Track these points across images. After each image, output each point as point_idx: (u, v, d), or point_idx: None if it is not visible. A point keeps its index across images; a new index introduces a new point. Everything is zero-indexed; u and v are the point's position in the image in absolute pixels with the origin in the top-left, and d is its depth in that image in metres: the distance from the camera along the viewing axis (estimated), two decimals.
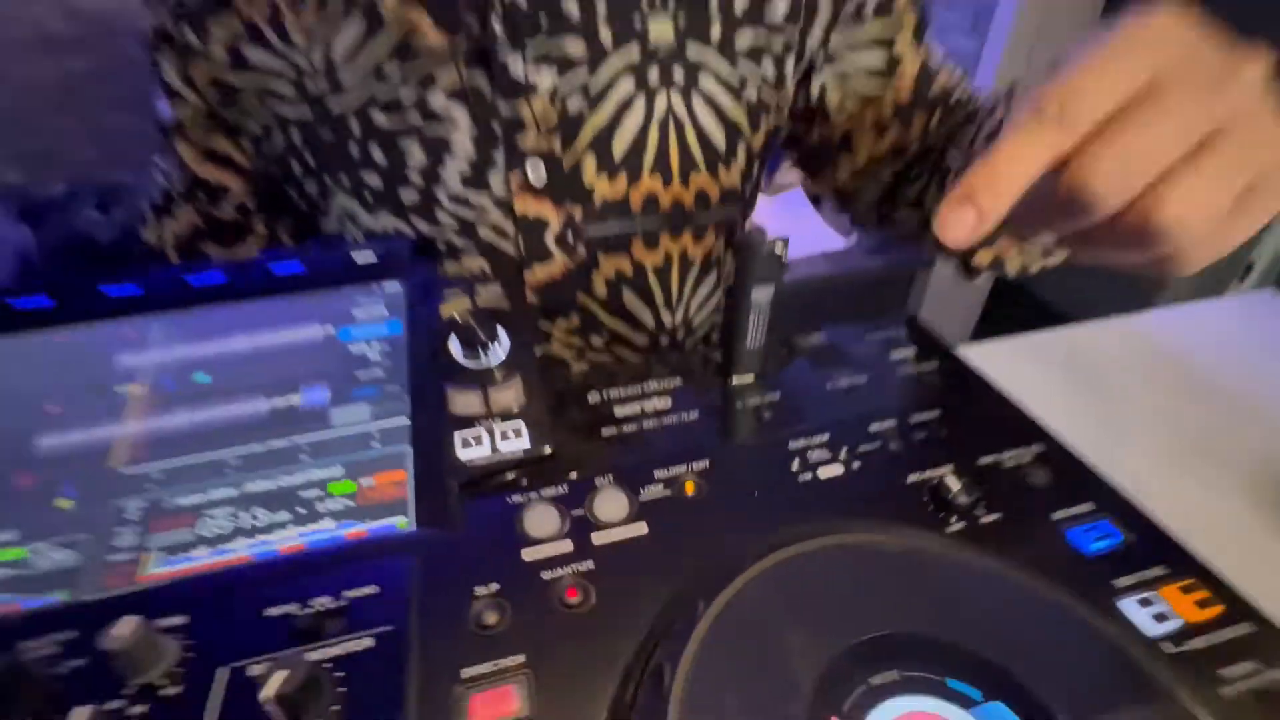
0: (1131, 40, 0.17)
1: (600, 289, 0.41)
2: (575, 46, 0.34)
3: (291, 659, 0.16)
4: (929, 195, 0.41)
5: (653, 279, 0.41)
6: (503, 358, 0.28)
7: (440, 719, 0.17)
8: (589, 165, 0.37)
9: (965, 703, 0.16)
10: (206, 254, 0.46)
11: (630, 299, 0.42)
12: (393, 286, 0.31)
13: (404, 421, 0.26)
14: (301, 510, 0.23)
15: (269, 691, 0.15)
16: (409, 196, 0.37)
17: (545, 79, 0.34)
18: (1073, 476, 0.24)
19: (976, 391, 0.29)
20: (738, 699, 0.16)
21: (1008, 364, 0.33)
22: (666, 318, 0.43)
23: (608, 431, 0.27)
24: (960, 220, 0.18)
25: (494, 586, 0.20)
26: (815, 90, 0.42)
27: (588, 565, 0.21)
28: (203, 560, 0.22)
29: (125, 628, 0.17)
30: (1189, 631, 0.19)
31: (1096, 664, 0.17)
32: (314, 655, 0.18)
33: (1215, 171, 0.17)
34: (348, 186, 0.38)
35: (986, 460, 0.25)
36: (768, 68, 0.38)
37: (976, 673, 0.17)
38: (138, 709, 0.17)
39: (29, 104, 2.38)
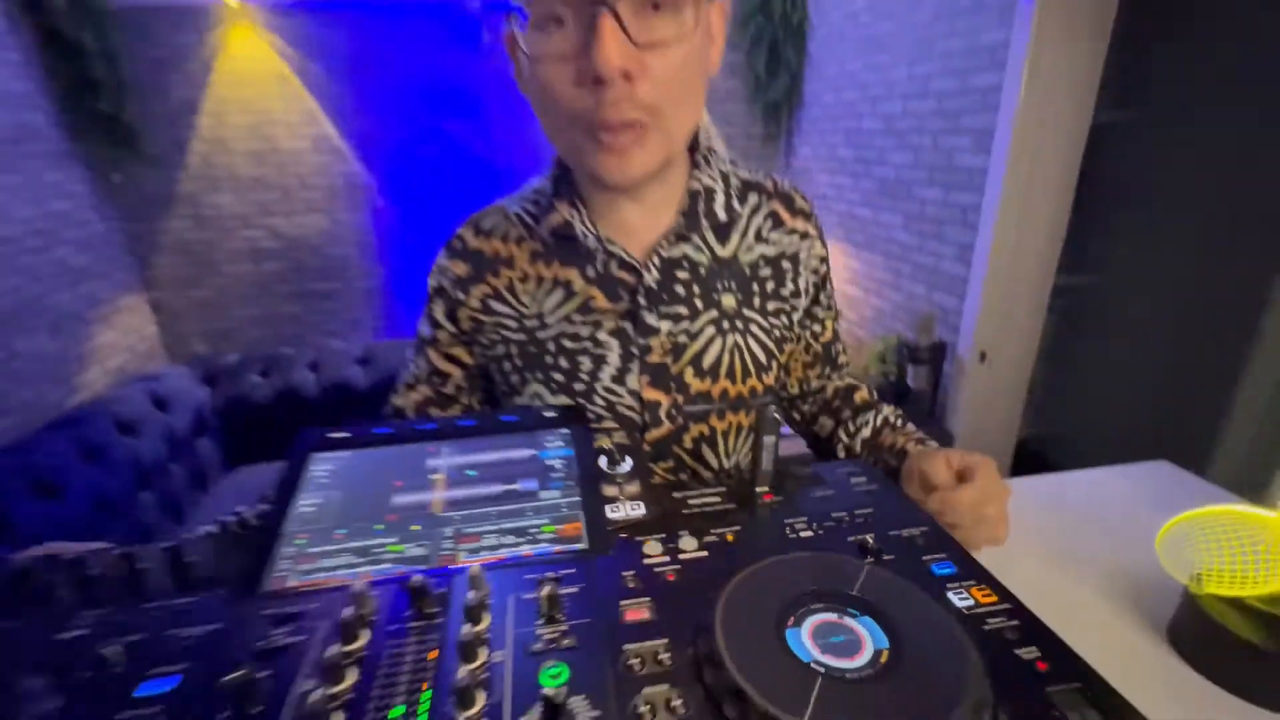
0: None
1: (688, 444, 0.63)
2: (681, 310, 0.60)
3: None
4: (815, 423, 0.75)
5: (720, 439, 0.64)
6: (628, 470, 0.50)
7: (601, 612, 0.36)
8: (688, 373, 0.61)
9: (853, 617, 0.35)
10: (430, 415, 0.70)
11: (706, 451, 0.64)
12: (565, 432, 0.54)
13: (578, 498, 0.48)
14: (530, 538, 0.44)
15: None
16: (579, 387, 0.61)
17: (664, 326, 0.60)
18: (941, 539, 0.43)
19: (895, 498, 0.48)
20: (744, 622, 0.35)
21: None
22: (726, 462, 0.65)
23: (685, 511, 0.48)
24: None
25: (630, 573, 0.40)
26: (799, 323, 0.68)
27: (675, 568, 0.41)
28: (484, 556, 0.43)
29: (471, 571, 0.38)
30: (976, 606, 0.37)
31: (929, 611, 0.36)
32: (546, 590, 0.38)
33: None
34: (540, 380, 0.63)
35: (893, 532, 0.44)
36: (784, 320, 0.64)
37: (862, 607, 0.35)
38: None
39: (226, 296, 2.98)
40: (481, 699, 0.30)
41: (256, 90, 2.71)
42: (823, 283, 0.69)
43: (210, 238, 2.87)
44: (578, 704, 0.30)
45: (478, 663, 0.32)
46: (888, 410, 0.70)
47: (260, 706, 0.31)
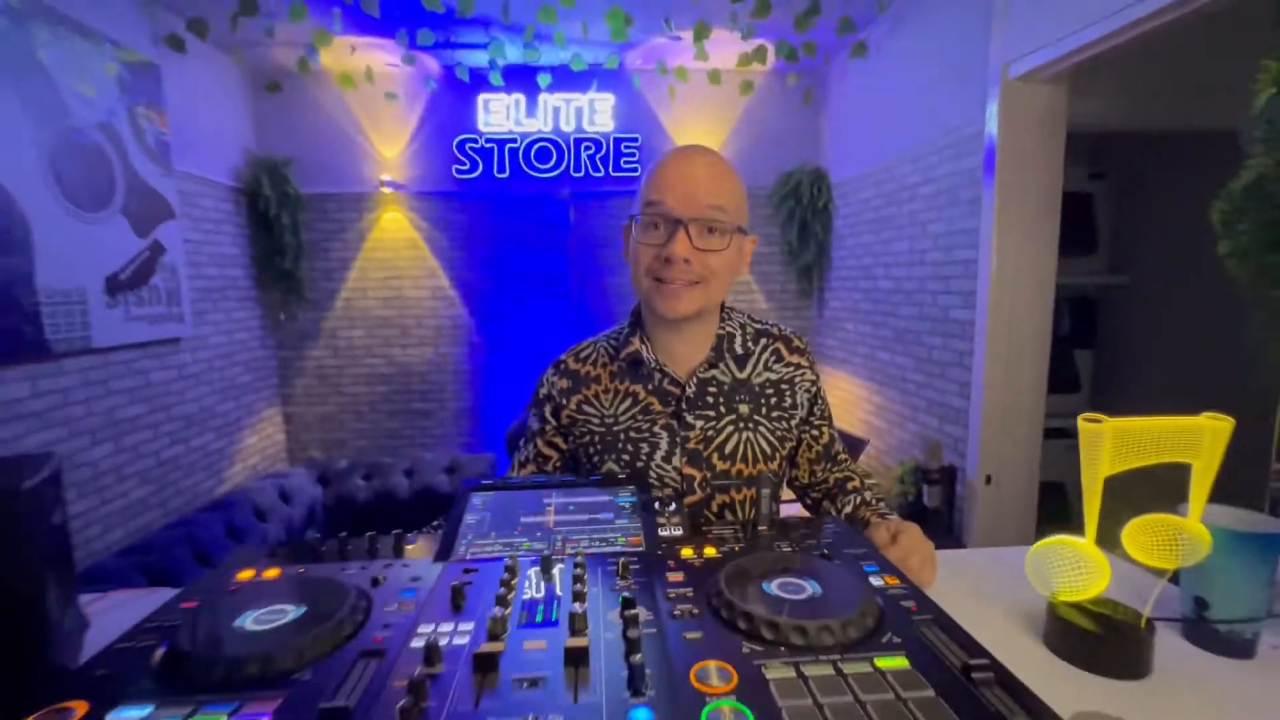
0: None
1: (715, 509, 0.85)
2: (711, 413, 0.85)
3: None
4: (820, 506, 0.95)
5: (738, 506, 0.85)
6: (673, 509, 0.72)
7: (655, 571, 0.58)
8: (714, 457, 0.84)
9: (800, 577, 0.55)
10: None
11: (727, 515, 0.85)
12: (632, 488, 0.77)
13: (639, 524, 0.70)
14: (608, 542, 0.66)
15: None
16: (639, 464, 0.85)
17: (699, 424, 0.85)
18: (873, 557, 0.63)
19: (852, 535, 0.68)
20: (739, 579, 0.56)
21: None
22: (741, 518, 0.86)
23: (709, 536, 0.69)
24: None
25: (672, 562, 0.62)
26: (799, 429, 0.90)
27: (700, 561, 0.62)
28: (585, 550, 0.65)
29: (577, 555, 0.61)
30: (886, 587, 0.56)
31: (848, 577, 0.55)
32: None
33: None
34: (613, 459, 0.87)
35: (845, 550, 0.64)
36: (785, 425, 0.87)
37: (805, 575, 0.56)
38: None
39: (344, 411, 3.37)
40: (587, 601, 0.52)
41: (393, 252, 3.29)
42: (814, 399, 0.92)
43: (340, 364, 3.35)
44: (641, 610, 0.51)
45: (584, 588, 0.54)
46: (868, 494, 0.89)
47: (463, 601, 0.53)
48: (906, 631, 0.48)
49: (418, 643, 0.47)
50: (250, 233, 2.94)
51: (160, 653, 0.47)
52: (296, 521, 2.62)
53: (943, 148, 2.01)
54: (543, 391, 0.95)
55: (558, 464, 0.93)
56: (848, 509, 0.88)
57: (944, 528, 1.92)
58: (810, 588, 0.54)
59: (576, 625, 0.48)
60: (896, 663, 0.44)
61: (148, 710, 0.40)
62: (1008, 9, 1.65)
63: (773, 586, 0.54)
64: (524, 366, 3.38)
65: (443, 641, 0.47)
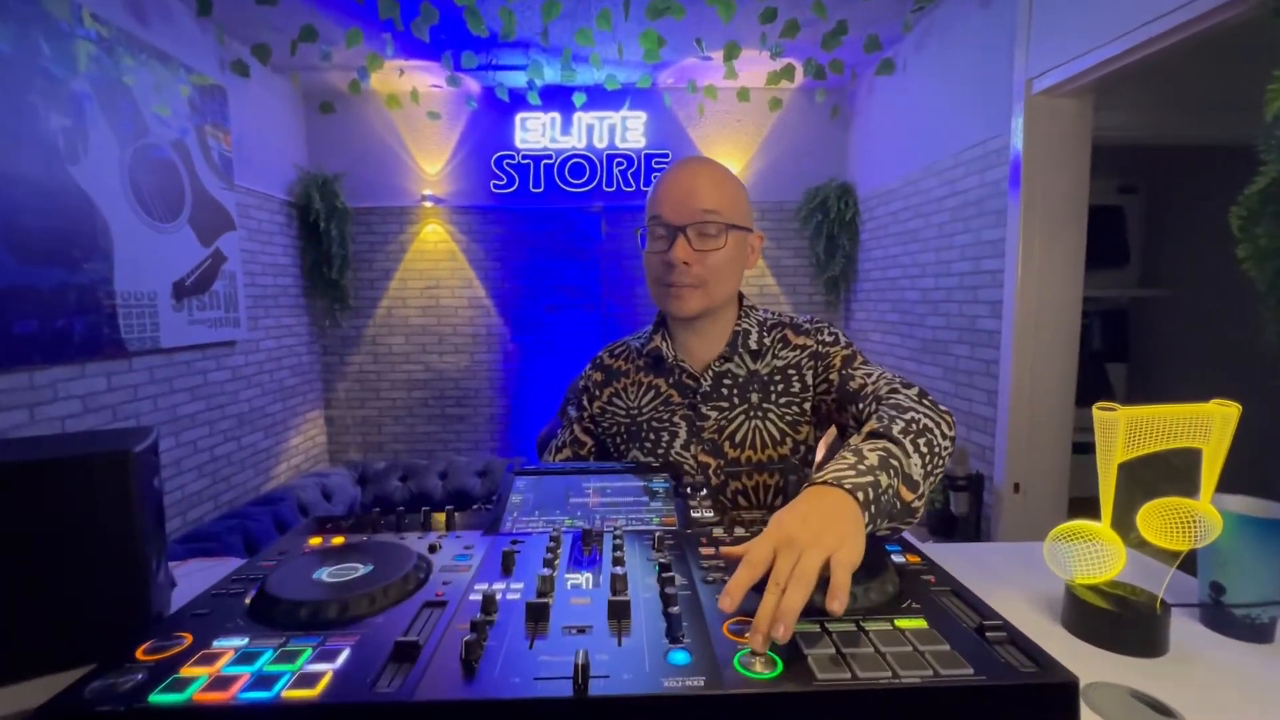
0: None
1: (729, 495, 0.88)
2: (724, 404, 0.88)
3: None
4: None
5: (750, 493, 0.88)
6: (704, 493, 0.76)
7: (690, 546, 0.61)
8: (727, 445, 0.88)
9: None
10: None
11: (741, 501, 0.88)
12: (665, 475, 0.81)
13: (673, 506, 0.73)
14: (644, 522, 0.70)
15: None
16: (660, 452, 0.89)
17: (713, 414, 0.88)
18: (899, 540, 0.65)
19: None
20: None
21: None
22: (756, 503, 0.88)
23: (739, 518, 0.72)
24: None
25: (704, 538, 0.65)
26: (814, 406, 0.91)
27: (729, 538, 0.65)
28: (623, 529, 0.69)
29: (615, 529, 0.65)
30: (907, 564, 0.59)
31: (877, 558, 0.58)
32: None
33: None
34: (637, 447, 0.91)
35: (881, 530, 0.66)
36: (795, 409, 0.89)
37: None
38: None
39: (382, 415, 3.47)
40: (624, 569, 0.56)
41: (433, 263, 3.40)
42: (818, 360, 0.87)
43: (380, 369, 3.46)
44: (677, 575, 0.55)
45: (622, 553, 0.58)
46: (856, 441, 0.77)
47: (513, 565, 0.58)
48: (925, 599, 0.51)
49: (475, 596, 0.52)
50: (300, 243, 3.08)
51: (250, 598, 0.52)
52: (371, 512, 2.72)
53: (968, 161, 2.02)
54: (581, 383, 1.01)
55: (591, 449, 0.98)
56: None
57: (971, 535, 1.90)
58: None
59: (617, 586, 0.52)
60: (915, 624, 0.47)
61: (244, 641, 0.46)
62: (1031, 25, 1.67)
63: None
64: (555, 373, 3.45)
65: (498, 596, 0.51)
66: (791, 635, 0.43)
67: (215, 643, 0.45)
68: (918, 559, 0.60)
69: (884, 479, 0.58)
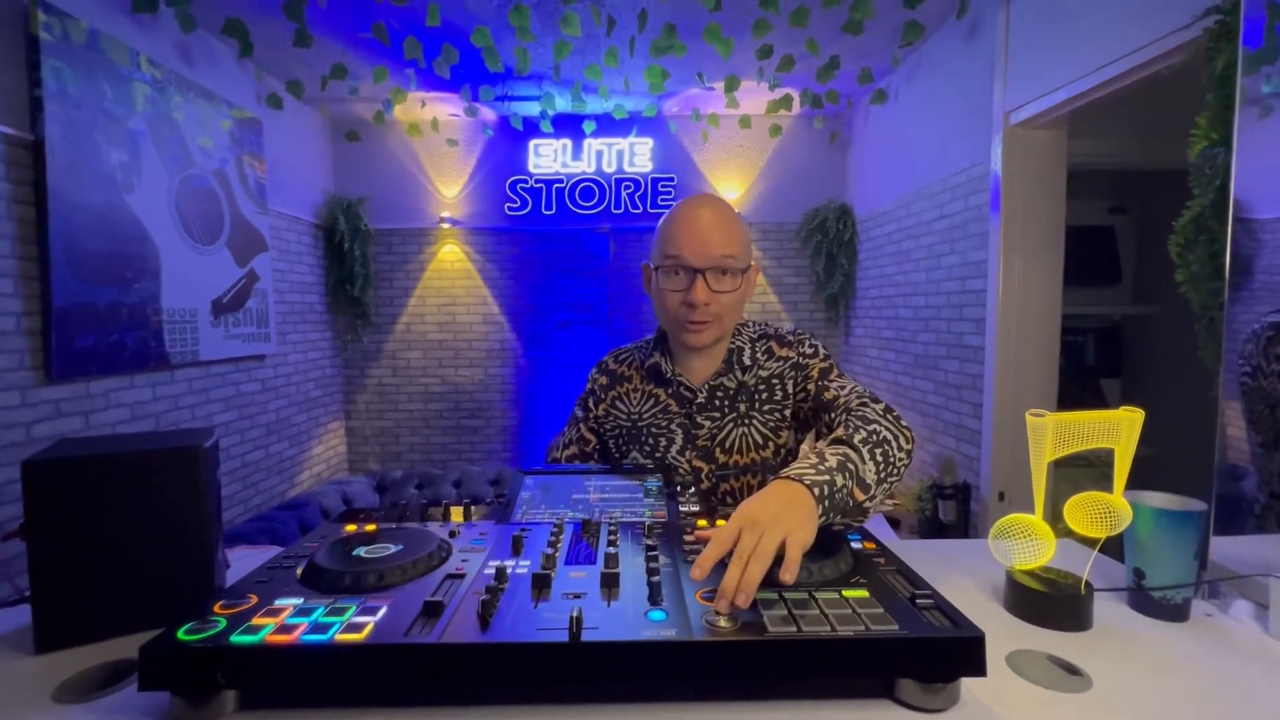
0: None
1: (719, 495, 0.96)
2: (716, 414, 0.97)
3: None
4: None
5: (738, 494, 0.96)
6: (693, 490, 0.84)
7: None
8: (718, 450, 0.96)
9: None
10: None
11: (730, 500, 0.96)
12: (657, 475, 0.90)
13: (664, 501, 0.82)
14: (638, 515, 0.78)
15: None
16: (658, 455, 0.97)
17: (706, 423, 0.96)
18: (857, 530, 0.73)
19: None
20: None
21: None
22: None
23: (722, 510, 0.80)
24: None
25: (689, 527, 0.73)
26: (795, 414, 0.99)
27: (713, 529, 0.73)
28: (620, 520, 0.77)
29: (609, 520, 0.73)
30: (864, 550, 0.67)
31: (834, 542, 0.66)
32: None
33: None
34: (637, 450, 1.00)
35: (833, 526, 0.74)
36: (776, 415, 0.97)
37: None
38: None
39: (400, 426, 3.58)
40: (618, 546, 0.65)
41: (449, 281, 3.53)
42: (797, 370, 0.94)
43: (398, 382, 3.58)
44: (661, 555, 0.63)
45: (615, 537, 0.67)
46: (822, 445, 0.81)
47: (522, 547, 0.66)
48: (871, 576, 0.59)
49: (489, 570, 0.60)
50: (326, 263, 3.21)
51: (301, 570, 0.61)
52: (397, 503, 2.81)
53: (955, 186, 2.11)
54: (589, 385, 1.09)
55: (596, 447, 1.06)
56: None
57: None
58: None
59: (610, 563, 0.60)
60: (859, 594, 0.55)
61: (300, 600, 0.54)
62: (1008, 62, 1.76)
63: None
64: (565, 386, 3.54)
65: (507, 570, 0.60)
66: (751, 602, 0.51)
67: (277, 601, 0.54)
68: (873, 545, 0.68)
69: (839, 479, 0.67)
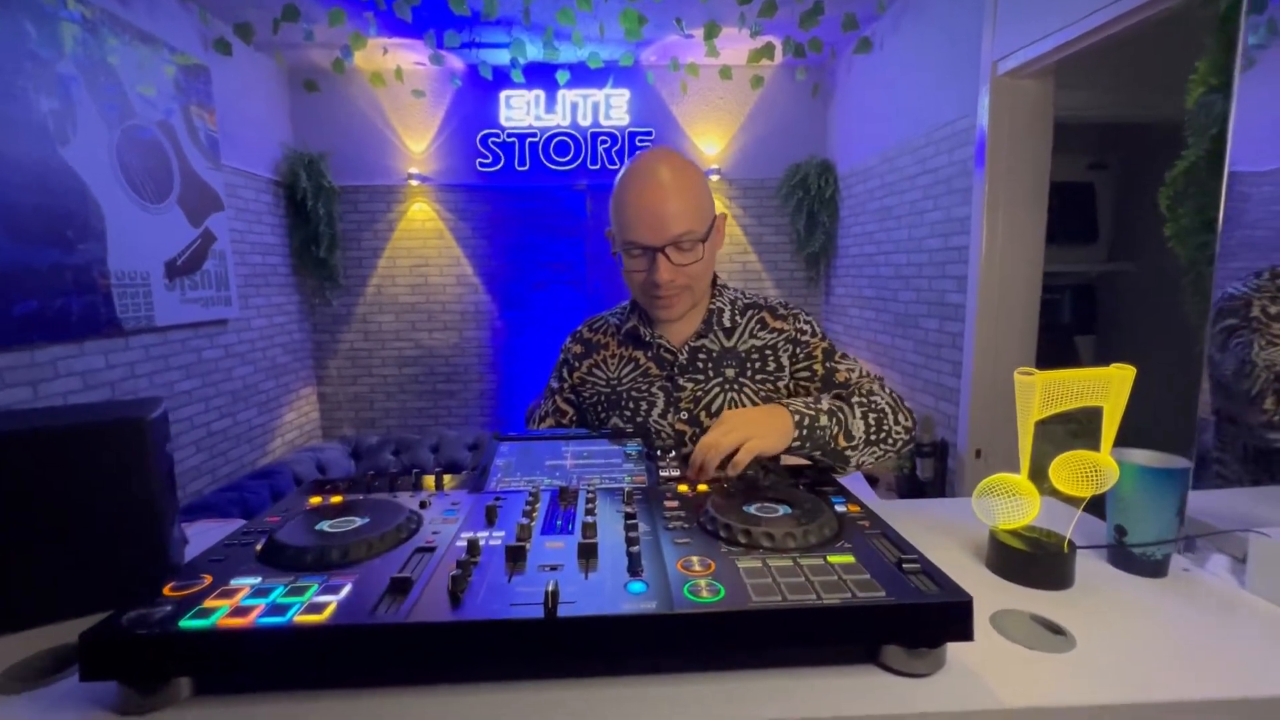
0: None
1: None
2: (700, 376, 0.94)
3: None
4: None
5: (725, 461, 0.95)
6: (673, 455, 0.82)
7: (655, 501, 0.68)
8: (703, 415, 0.94)
9: (776, 503, 0.64)
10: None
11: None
12: (637, 440, 0.87)
13: (643, 467, 0.80)
14: (616, 480, 0.76)
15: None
16: (639, 421, 0.95)
17: (689, 386, 0.94)
18: (842, 491, 0.72)
19: (826, 479, 0.77)
20: (725, 502, 0.65)
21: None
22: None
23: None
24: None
25: (669, 492, 0.71)
26: (789, 389, 0.98)
27: (693, 494, 0.71)
28: (599, 486, 0.75)
29: (588, 485, 0.71)
30: (848, 513, 0.65)
31: (813, 501, 0.65)
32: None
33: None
34: (617, 416, 0.97)
35: (819, 488, 0.73)
36: (769, 386, 0.95)
37: (779, 500, 0.65)
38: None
39: (374, 391, 3.52)
40: (597, 515, 0.62)
41: (420, 241, 3.41)
42: (796, 346, 0.93)
43: (371, 347, 3.49)
44: (640, 523, 0.61)
45: (594, 505, 0.64)
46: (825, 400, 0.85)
47: (496, 517, 0.64)
48: (856, 540, 0.58)
49: (461, 543, 0.58)
50: (288, 223, 3.07)
51: (260, 546, 0.58)
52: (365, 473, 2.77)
53: (939, 140, 2.06)
54: (562, 356, 1.06)
55: (572, 418, 1.04)
56: None
57: (936, 497, 2.00)
58: (783, 510, 0.63)
59: (588, 532, 0.58)
60: (844, 559, 0.53)
61: (258, 579, 0.51)
62: (996, 9, 1.70)
63: (752, 508, 0.63)
64: (542, 348, 3.49)
65: (480, 542, 0.57)
66: (737, 569, 0.50)
67: (233, 581, 0.51)
68: (858, 508, 0.67)
69: (824, 419, 0.79)
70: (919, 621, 0.47)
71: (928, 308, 2.18)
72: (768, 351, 0.95)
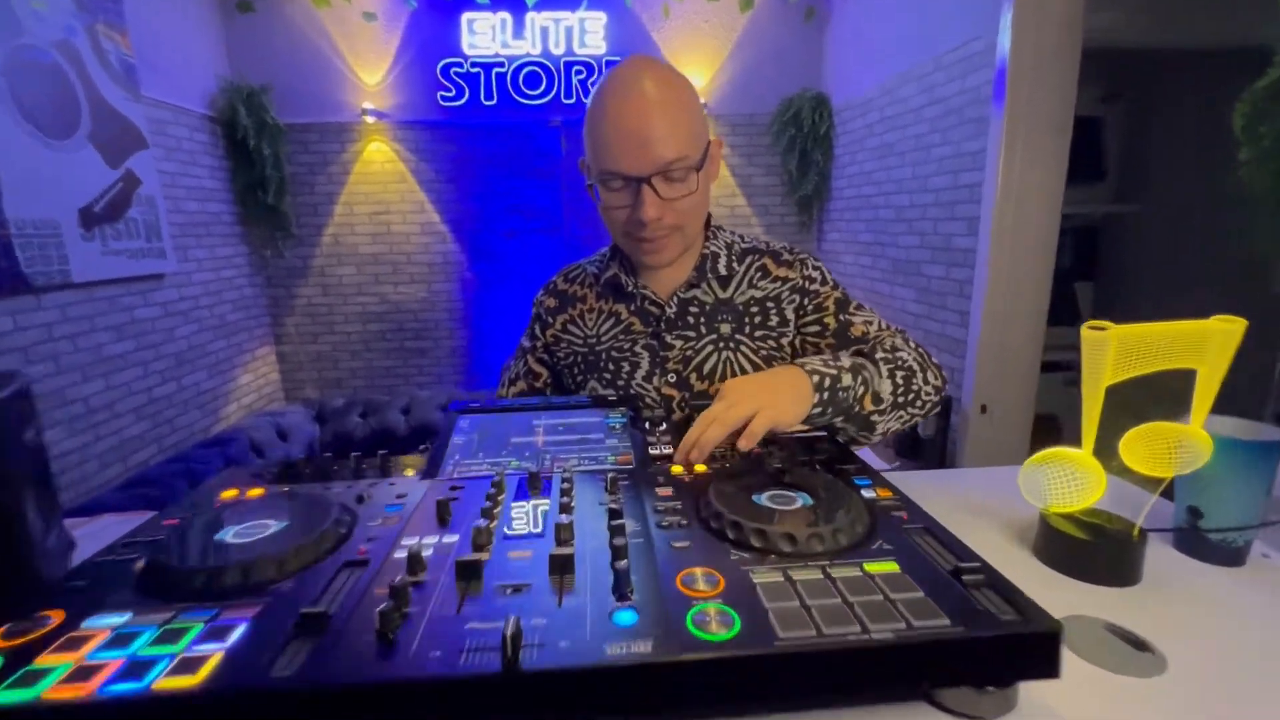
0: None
1: None
2: (691, 333, 0.82)
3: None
4: None
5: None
6: (664, 427, 0.71)
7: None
8: (693, 377, 0.82)
9: (792, 490, 0.54)
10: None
11: None
12: (623, 409, 0.76)
13: (629, 443, 0.68)
14: (597, 461, 0.65)
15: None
16: (620, 384, 0.83)
17: (678, 343, 0.82)
18: (866, 471, 0.62)
19: (847, 455, 0.67)
20: (728, 490, 0.55)
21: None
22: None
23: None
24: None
25: (661, 477, 0.61)
26: (795, 346, 0.86)
27: (690, 476, 0.61)
28: (574, 470, 0.64)
29: (563, 469, 0.59)
30: (878, 499, 0.55)
31: (837, 487, 0.54)
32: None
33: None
34: (596, 378, 0.85)
35: (837, 466, 0.63)
36: (770, 343, 0.84)
37: (796, 487, 0.55)
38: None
39: (338, 350, 3.36)
40: (574, 512, 0.51)
41: (380, 186, 3.18)
42: (804, 296, 0.82)
43: (331, 302, 3.30)
44: (628, 521, 0.51)
45: (570, 500, 0.53)
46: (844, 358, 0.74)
47: (449, 515, 0.52)
48: (897, 539, 0.47)
49: (401, 554, 0.46)
50: (230, 165, 2.82)
51: (140, 565, 0.46)
52: (295, 458, 2.65)
53: (950, 64, 1.90)
54: (535, 310, 0.94)
55: (547, 381, 0.92)
56: None
57: (937, 456, 1.94)
58: (801, 500, 0.53)
59: (562, 536, 0.47)
60: (886, 567, 0.43)
61: (125, 617, 0.40)
62: None
63: (763, 498, 0.53)
64: (517, 303, 3.34)
65: (427, 553, 0.46)
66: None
67: (85, 623, 0.39)
68: (889, 493, 0.56)
69: (847, 379, 0.68)
70: (992, 657, 0.37)
71: (932, 253, 2.07)
72: (769, 304, 0.83)
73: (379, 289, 3.31)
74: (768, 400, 0.62)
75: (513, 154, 3.20)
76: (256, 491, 0.61)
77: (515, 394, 0.92)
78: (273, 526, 0.50)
